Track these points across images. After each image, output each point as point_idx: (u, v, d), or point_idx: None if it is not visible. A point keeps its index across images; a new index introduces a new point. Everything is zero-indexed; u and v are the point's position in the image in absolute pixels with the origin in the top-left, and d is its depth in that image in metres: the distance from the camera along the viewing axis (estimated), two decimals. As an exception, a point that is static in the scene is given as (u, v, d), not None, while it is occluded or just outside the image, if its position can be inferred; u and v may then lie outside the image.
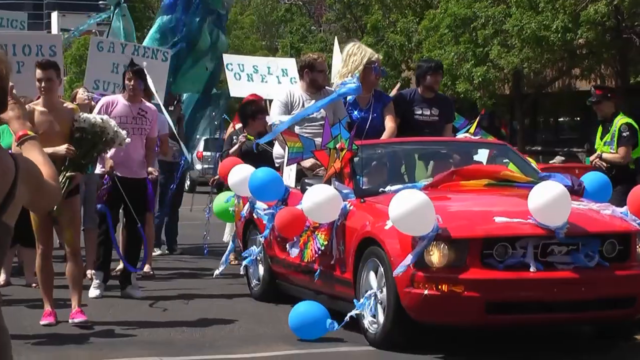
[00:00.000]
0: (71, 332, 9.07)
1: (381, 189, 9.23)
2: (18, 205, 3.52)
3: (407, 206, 8.08)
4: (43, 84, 9.24)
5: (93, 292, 10.84)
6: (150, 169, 11.14)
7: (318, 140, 9.88)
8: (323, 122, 10.48)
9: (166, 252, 14.75)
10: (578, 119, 37.81)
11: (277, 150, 10.86)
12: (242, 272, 10.86)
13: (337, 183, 9.34)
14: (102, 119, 9.22)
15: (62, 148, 9.00)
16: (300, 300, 9.14)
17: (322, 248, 9.19)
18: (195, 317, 9.76)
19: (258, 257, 10.64)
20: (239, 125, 13.18)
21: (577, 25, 31.46)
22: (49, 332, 9.10)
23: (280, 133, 10.05)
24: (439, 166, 10.08)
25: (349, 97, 10.59)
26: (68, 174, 8.99)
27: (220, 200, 11.38)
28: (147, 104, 11.20)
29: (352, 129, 9.51)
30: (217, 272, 10.86)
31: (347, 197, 9.17)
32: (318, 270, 9.32)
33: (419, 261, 8.14)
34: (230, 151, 12.58)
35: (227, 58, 14.96)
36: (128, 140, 9.43)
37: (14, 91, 4.08)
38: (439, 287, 8.10)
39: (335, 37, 18.70)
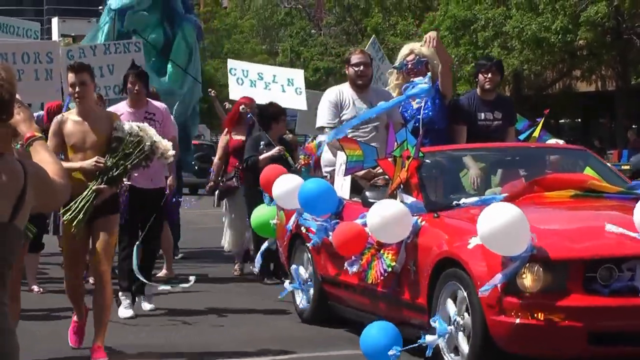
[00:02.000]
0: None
1: (455, 202, 7.83)
2: (27, 209, 3.57)
3: (499, 222, 6.69)
4: (77, 89, 7.81)
5: (125, 312, 9.44)
6: (169, 181, 10.00)
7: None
8: (376, 124, 9.13)
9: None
10: (578, 120, 36.79)
11: (326, 157, 9.43)
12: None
13: (404, 195, 7.95)
14: (138, 127, 7.85)
15: (89, 162, 7.72)
16: (361, 324, 7.81)
17: (389, 269, 7.79)
18: (196, 322, 9.21)
19: (306, 276, 9.23)
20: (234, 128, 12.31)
21: (577, 26, 30.63)
22: (49, 334, 8.71)
23: (337, 139, 8.65)
24: (508, 175, 8.70)
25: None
26: (94, 187, 7.69)
27: (260, 212, 9.90)
28: (155, 103, 9.84)
29: (417, 134, 8.09)
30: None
31: (417, 212, 7.79)
32: (384, 293, 7.94)
33: (509, 285, 6.77)
34: (261, 157, 11.16)
35: (231, 63, 13.88)
36: (172, 152, 7.97)
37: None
38: (534, 315, 6.72)
39: (373, 36, 17.36)
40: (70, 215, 7.62)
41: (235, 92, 13.07)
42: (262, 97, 12.61)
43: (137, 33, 15.23)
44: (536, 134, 9.99)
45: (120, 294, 9.52)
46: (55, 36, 20.12)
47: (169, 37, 15.50)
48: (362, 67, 9.36)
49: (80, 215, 7.60)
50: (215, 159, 12.52)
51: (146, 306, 9.68)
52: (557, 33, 30.52)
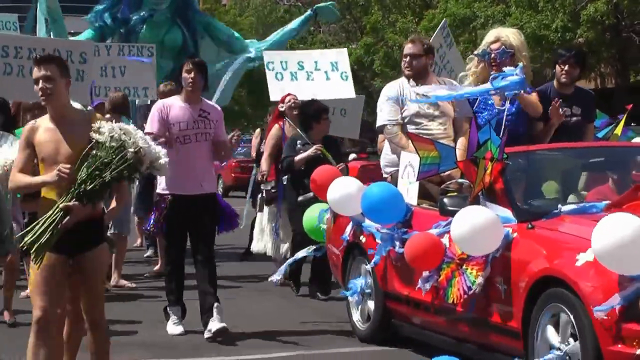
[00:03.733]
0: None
1: (552, 210, 6.59)
2: None
3: (620, 235, 5.49)
4: (41, 85, 5.88)
5: (175, 328, 8.15)
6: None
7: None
8: (442, 119, 7.89)
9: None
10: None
11: (386, 158, 8.16)
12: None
13: (488, 203, 6.71)
14: (121, 129, 5.84)
15: (52, 173, 5.75)
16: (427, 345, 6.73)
17: (474, 287, 6.55)
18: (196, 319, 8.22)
19: (366, 291, 7.97)
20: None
21: (576, 24, 29.71)
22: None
23: (410, 138, 7.38)
24: (595, 178, 7.47)
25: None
26: (61, 204, 5.74)
27: (312, 214, 8.62)
28: (209, 102, 8.46)
29: (500, 132, 6.81)
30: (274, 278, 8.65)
31: (506, 221, 6.55)
32: (466, 314, 6.70)
33: (629, 309, 5.58)
34: (296, 159, 9.85)
35: (268, 56, 12.24)
36: (164, 161, 6.03)
37: None
38: (659, 345, 5.54)
39: (444, 20, 15.87)
40: (30, 238, 5.73)
41: (276, 91, 11.65)
42: (305, 91, 11.20)
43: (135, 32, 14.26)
44: (618, 131, 8.76)
45: (168, 308, 8.24)
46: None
47: (186, 37, 14.41)
48: (408, 59, 8.09)
49: (43, 240, 5.70)
50: (265, 155, 10.75)
51: (216, 325, 8.02)
52: (556, 31, 29.59)
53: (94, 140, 5.81)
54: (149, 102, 12.20)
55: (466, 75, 8.29)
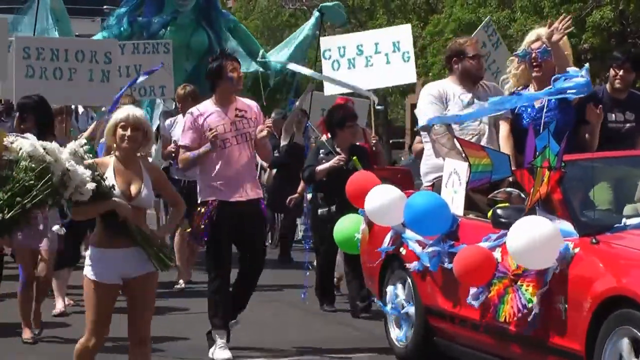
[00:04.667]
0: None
1: (616, 224, 5.96)
2: None
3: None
4: None
5: (222, 354, 7.31)
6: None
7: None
8: (485, 122, 7.28)
9: None
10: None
11: (428, 163, 7.50)
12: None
13: (544, 214, 6.09)
14: (45, 149, 5.15)
15: None
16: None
17: (530, 305, 5.92)
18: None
19: (406, 306, 7.33)
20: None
21: (582, 30, 29.12)
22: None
23: (460, 144, 6.74)
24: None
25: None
26: None
27: (345, 225, 7.95)
28: (244, 100, 7.74)
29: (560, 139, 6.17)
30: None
31: (566, 235, 5.93)
32: (521, 334, 6.08)
33: None
34: (318, 169, 9.12)
35: (325, 42, 11.39)
36: (91, 187, 5.38)
37: None
38: None
39: (488, 17, 15.09)
40: None
41: (330, 85, 10.90)
42: (362, 81, 10.45)
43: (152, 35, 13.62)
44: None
45: (213, 332, 7.44)
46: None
47: (211, 39, 13.75)
48: (480, 60, 7.51)
49: None
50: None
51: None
52: (562, 37, 29.03)
53: (3, 160, 5.05)
54: (172, 107, 11.60)
55: (507, 78, 7.68)
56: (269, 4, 38.94)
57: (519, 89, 7.38)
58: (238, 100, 7.58)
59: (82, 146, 5.46)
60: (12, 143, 5.05)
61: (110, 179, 5.56)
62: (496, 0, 31.32)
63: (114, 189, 5.54)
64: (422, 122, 7.39)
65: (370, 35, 11.64)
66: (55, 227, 9.03)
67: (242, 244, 7.45)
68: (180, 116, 10.32)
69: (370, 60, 11.05)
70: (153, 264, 5.57)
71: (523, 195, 6.67)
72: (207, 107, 7.47)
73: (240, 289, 7.50)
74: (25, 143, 5.11)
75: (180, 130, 8.73)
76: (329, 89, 11.01)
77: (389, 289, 7.47)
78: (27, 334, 7.85)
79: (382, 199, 7.14)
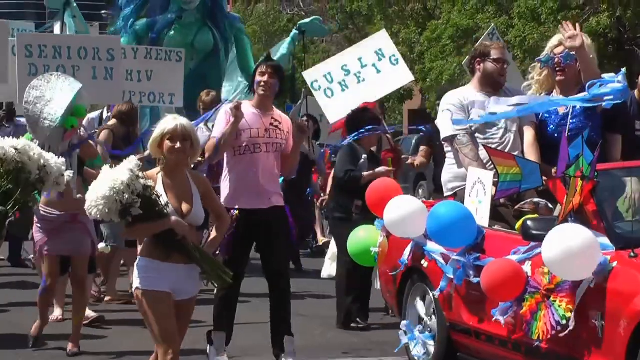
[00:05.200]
0: None
1: (655, 237, 5.63)
2: None
3: None
4: None
5: (218, 358, 6.98)
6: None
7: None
8: (510, 125, 6.95)
9: None
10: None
11: (451, 172, 7.14)
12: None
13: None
14: (15, 148, 4.96)
15: None
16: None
17: (564, 322, 5.59)
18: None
19: (427, 321, 6.98)
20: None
21: (579, 37, 28.80)
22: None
23: (488, 153, 6.39)
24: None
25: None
26: None
27: (360, 237, 7.58)
28: (280, 112, 7.37)
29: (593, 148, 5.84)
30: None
31: (602, 248, 5.59)
32: (554, 352, 5.73)
33: None
34: (366, 174, 8.67)
35: (309, 75, 10.94)
36: (68, 175, 5.38)
37: None
38: None
39: (492, 25, 14.76)
40: None
41: (333, 111, 10.49)
42: (362, 97, 10.12)
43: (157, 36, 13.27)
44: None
45: (213, 333, 7.04)
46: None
47: (217, 40, 13.40)
48: (504, 65, 7.17)
49: None
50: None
51: None
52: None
53: None
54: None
55: (529, 85, 7.34)
56: (267, 10, 38.71)
57: (542, 94, 7.04)
58: (275, 110, 7.23)
59: (137, 165, 5.14)
60: None
61: (162, 196, 5.22)
62: (494, 7, 31.14)
63: (168, 207, 5.20)
64: (446, 132, 7.04)
65: (351, 53, 11.27)
66: (101, 246, 8.72)
67: (267, 252, 7.08)
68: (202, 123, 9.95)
69: (360, 76, 10.70)
70: (210, 281, 5.26)
71: (551, 206, 6.34)
72: (245, 107, 7.09)
73: (275, 301, 7.05)
74: None
75: (204, 137, 8.37)
76: (333, 116, 10.63)
77: (409, 302, 7.12)
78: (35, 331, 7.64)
79: (403, 210, 6.79)
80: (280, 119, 7.14)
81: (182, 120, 5.38)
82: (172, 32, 13.26)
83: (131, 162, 5.16)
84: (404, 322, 7.09)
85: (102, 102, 10.12)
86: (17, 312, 9.13)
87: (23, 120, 10.97)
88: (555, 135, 6.66)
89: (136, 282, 5.28)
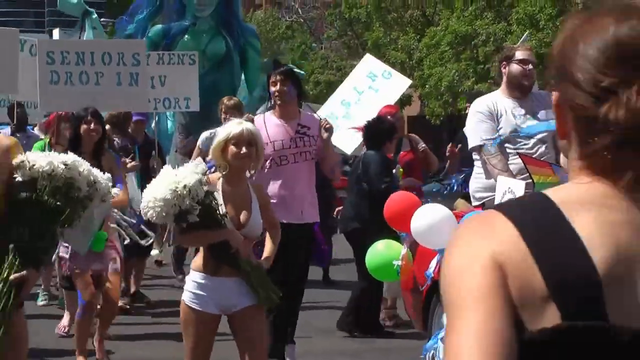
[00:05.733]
0: None
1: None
2: None
3: None
4: None
5: None
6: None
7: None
8: (541, 136, 6.70)
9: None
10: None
11: (480, 181, 6.89)
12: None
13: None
14: (65, 164, 4.25)
15: None
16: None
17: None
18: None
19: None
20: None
21: (578, 42, 28.78)
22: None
23: (523, 160, 6.14)
24: None
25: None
26: (12, 277, 3.87)
27: (378, 251, 7.30)
28: (308, 114, 7.08)
29: None
30: None
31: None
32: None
33: None
34: (402, 184, 8.39)
35: (322, 112, 10.64)
36: (116, 191, 4.83)
37: None
38: None
39: (527, 32, 14.56)
40: None
41: (347, 143, 10.30)
42: (367, 115, 9.84)
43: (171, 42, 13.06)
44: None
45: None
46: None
47: (230, 48, 13.17)
48: (530, 66, 6.88)
49: None
50: None
51: None
52: (558, 49, 28.82)
53: (17, 181, 4.08)
54: (187, 120, 10.99)
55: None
56: (266, 17, 38.60)
57: None
58: (303, 114, 6.92)
59: (202, 169, 4.84)
60: (23, 161, 4.30)
61: (221, 205, 4.91)
62: (492, 13, 30.98)
63: (226, 217, 4.89)
64: (474, 142, 6.77)
65: (345, 87, 11.18)
66: (154, 252, 8.32)
67: (284, 267, 6.80)
68: (219, 129, 9.62)
69: (360, 100, 10.58)
70: (260, 298, 4.95)
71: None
72: (267, 119, 6.81)
73: (285, 311, 6.83)
74: (41, 160, 4.25)
75: None
76: (349, 148, 10.45)
77: (436, 317, 6.86)
78: None
79: (431, 218, 6.54)
80: (309, 123, 6.83)
81: (248, 125, 5.09)
82: (185, 39, 13.05)
83: (197, 166, 4.86)
84: (427, 345, 6.83)
85: (126, 110, 9.73)
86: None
87: (35, 130, 10.78)
88: None
89: (184, 295, 4.99)
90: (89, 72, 9.20)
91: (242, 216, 4.98)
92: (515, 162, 6.73)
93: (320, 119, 7.24)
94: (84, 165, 4.34)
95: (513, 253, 1.45)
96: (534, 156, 6.65)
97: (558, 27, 29.37)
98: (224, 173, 5.02)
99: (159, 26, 13.26)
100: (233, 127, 5.03)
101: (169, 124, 12.94)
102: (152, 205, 4.77)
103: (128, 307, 9.33)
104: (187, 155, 10.07)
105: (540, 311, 1.42)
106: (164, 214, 4.76)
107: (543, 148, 6.71)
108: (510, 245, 1.46)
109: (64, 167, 4.24)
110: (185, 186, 4.75)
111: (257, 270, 4.96)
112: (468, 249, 1.48)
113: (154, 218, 4.83)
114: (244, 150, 4.95)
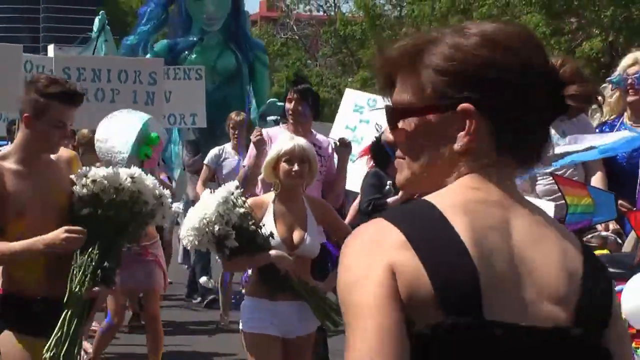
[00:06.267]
0: None
1: None
2: None
3: None
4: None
5: None
6: None
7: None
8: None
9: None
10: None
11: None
12: None
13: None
14: (132, 177, 4.09)
15: (54, 237, 3.88)
16: None
17: (646, 368, 5.07)
18: None
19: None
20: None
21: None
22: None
23: (556, 181, 5.86)
24: None
25: None
26: (84, 293, 3.95)
27: None
28: (319, 135, 6.85)
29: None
30: None
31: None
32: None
33: None
34: (390, 201, 8.13)
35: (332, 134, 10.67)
36: (177, 207, 5.07)
37: None
38: None
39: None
40: (51, 354, 3.92)
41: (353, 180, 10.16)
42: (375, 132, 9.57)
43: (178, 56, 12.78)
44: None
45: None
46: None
47: (240, 62, 12.87)
48: None
49: (63, 350, 3.95)
50: None
51: None
52: (552, 67, 28.96)
53: (78, 196, 3.99)
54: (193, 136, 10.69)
55: (596, 108, 6.74)
56: (261, 33, 38.32)
57: (611, 117, 6.47)
58: (314, 135, 6.66)
59: (234, 191, 4.56)
60: (86, 176, 4.07)
61: (269, 225, 4.62)
62: (487, 31, 30.98)
63: (272, 238, 4.60)
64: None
65: (337, 127, 10.78)
66: (203, 279, 8.19)
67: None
68: (227, 145, 9.35)
69: (355, 137, 10.25)
70: (321, 321, 4.68)
71: (620, 241, 5.83)
72: (278, 134, 6.52)
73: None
74: (106, 173, 4.10)
75: (231, 163, 7.82)
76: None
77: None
78: None
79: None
80: (320, 143, 6.59)
81: (300, 141, 4.85)
82: (193, 56, 12.74)
83: (228, 188, 4.59)
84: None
85: None
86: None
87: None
88: (624, 162, 6.13)
89: (242, 325, 4.71)
90: (104, 89, 8.97)
91: (295, 236, 4.69)
92: (541, 183, 6.46)
93: (337, 138, 6.98)
94: (149, 179, 4.15)
95: (402, 259, 1.55)
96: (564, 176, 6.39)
97: (552, 46, 29.28)
98: (276, 192, 4.76)
99: (164, 41, 12.97)
100: (284, 143, 4.79)
101: (171, 146, 12.61)
102: (186, 234, 4.56)
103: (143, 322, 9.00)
104: (196, 173, 9.78)
105: (428, 310, 1.52)
106: (197, 242, 4.52)
107: (572, 169, 6.43)
108: (399, 252, 1.56)
109: (130, 180, 4.05)
110: (212, 212, 4.50)
111: (313, 292, 4.67)
112: (361, 260, 1.57)
113: (190, 246, 4.57)
114: (296, 167, 4.71)
